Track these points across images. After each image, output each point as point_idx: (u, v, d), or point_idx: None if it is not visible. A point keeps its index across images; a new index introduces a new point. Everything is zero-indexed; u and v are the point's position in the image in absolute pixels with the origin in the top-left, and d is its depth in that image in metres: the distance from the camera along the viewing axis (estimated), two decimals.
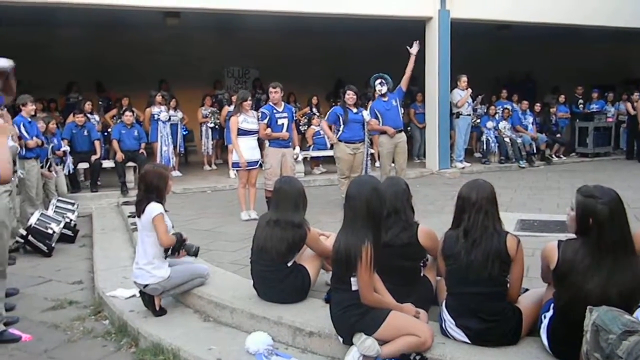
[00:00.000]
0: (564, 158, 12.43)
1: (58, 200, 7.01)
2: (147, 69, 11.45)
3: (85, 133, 8.95)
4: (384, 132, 7.28)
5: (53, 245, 6.01)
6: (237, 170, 6.97)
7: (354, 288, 2.87)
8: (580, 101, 13.24)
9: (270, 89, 6.75)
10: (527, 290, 3.24)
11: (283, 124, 6.68)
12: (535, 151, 11.69)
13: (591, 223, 2.59)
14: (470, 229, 2.90)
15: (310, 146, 10.72)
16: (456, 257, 2.92)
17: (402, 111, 7.65)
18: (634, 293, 2.53)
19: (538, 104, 12.65)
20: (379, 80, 7.23)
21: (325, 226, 4.47)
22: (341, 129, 6.99)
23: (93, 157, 8.84)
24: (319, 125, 10.83)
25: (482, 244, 2.84)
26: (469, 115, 10.99)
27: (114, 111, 10.75)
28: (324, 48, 12.70)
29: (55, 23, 11.00)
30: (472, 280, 2.83)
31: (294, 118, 7.30)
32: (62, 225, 6.22)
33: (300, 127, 11.04)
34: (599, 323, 2.23)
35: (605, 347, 2.15)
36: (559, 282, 2.68)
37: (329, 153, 10.08)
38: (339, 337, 3.03)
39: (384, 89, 7.24)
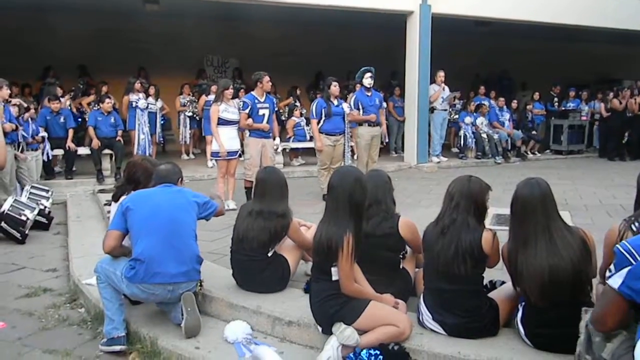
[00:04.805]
0: (539, 155, 12.65)
1: (32, 187, 6.85)
2: (126, 56, 11.24)
3: (62, 120, 8.77)
4: (362, 124, 7.44)
5: (27, 232, 5.88)
6: (216, 160, 6.92)
7: (334, 278, 2.89)
8: (556, 99, 13.46)
9: (266, 78, 6.66)
10: (503, 282, 3.31)
11: (264, 114, 6.64)
12: (511, 147, 11.90)
13: None
14: (440, 219, 2.96)
15: (290, 137, 10.69)
16: (430, 249, 2.97)
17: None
18: (559, 275, 2.61)
19: (515, 101, 12.87)
20: (369, 74, 7.36)
21: (304, 217, 4.48)
22: (322, 120, 7.01)
23: (68, 144, 8.66)
24: (300, 117, 10.82)
25: (449, 235, 2.86)
26: (445, 110, 11.06)
27: (91, 97, 10.55)
28: (305, 39, 12.64)
29: (34, 8, 10.72)
30: (444, 275, 2.86)
31: (275, 109, 7.28)
32: (35, 212, 6.08)
33: (281, 118, 10.99)
34: (589, 325, 2.21)
35: (595, 350, 2.16)
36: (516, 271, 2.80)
37: (309, 145, 10.08)
38: (318, 327, 3.05)
39: (372, 83, 7.41)
